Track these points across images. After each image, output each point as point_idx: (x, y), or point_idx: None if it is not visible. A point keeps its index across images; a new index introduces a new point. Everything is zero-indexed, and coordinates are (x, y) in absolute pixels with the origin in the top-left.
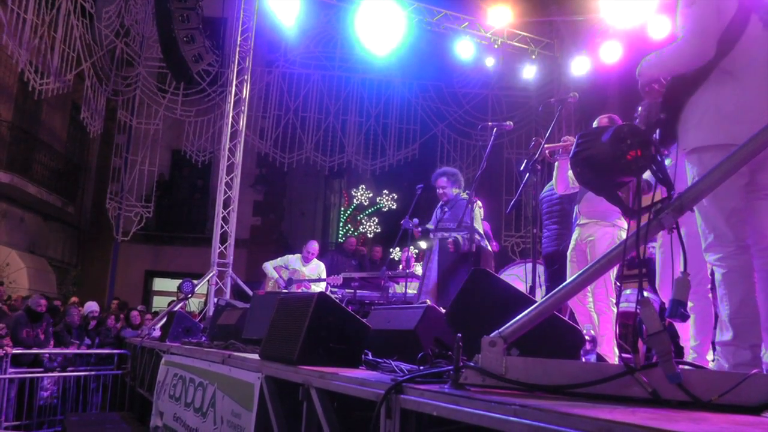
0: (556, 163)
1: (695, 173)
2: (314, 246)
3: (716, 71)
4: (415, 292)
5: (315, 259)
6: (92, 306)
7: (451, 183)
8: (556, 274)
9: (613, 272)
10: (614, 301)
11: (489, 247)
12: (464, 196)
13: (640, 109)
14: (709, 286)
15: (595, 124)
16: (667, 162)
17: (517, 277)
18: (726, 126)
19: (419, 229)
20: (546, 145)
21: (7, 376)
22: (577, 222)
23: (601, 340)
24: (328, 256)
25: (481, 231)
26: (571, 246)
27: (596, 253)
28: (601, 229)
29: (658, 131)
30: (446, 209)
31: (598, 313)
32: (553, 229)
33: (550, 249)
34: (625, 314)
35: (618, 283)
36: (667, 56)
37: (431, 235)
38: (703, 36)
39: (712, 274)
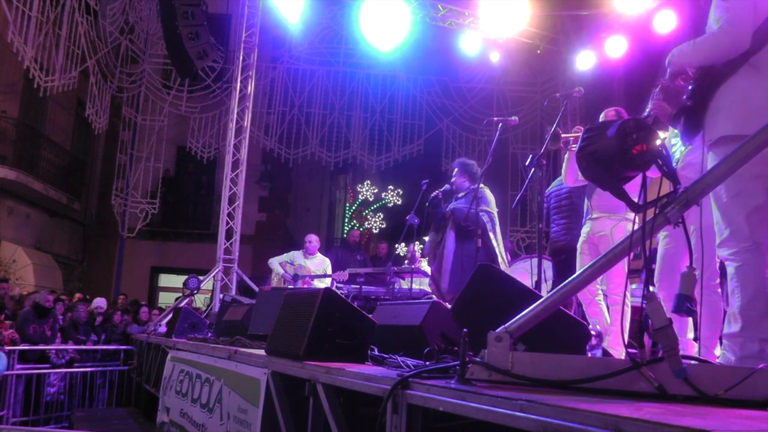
0: (566, 155)
1: None
2: (312, 236)
3: (746, 66)
4: (420, 288)
5: (320, 255)
6: (100, 302)
7: (460, 173)
8: (563, 269)
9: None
10: (628, 294)
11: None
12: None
13: (651, 104)
14: (718, 280)
15: (602, 117)
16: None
17: (524, 269)
18: (753, 120)
19: (416, 222)
20: (563, 135)
21: (15, 372)
22: (589, 216)
23: (611, 331)
24: (333, 251)
25: (496, 217)
26: (581, 239)
27: (609, 247)
28: (613, 223)
29: (683, 119)
30: (460, 198)
31: (611, 305)
32: (562, 223)
33: (559, 244)
34: (631, 309)
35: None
36: (701, 45)
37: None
38: (740, 26)
39: (721, 268)
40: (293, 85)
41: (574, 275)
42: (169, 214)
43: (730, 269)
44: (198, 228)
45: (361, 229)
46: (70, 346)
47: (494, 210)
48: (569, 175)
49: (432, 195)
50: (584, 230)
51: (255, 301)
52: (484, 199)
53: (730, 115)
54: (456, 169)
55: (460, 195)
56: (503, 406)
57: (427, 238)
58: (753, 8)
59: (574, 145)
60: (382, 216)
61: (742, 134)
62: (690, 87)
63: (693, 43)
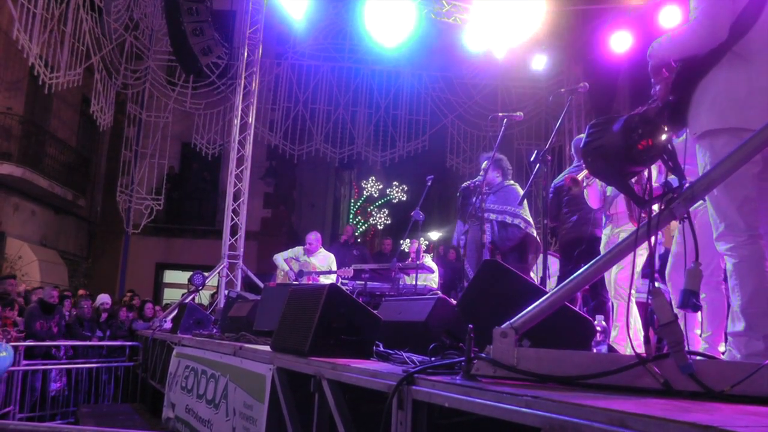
0: (586, 191)
1: (707, 160)
2: (312, 237)
3: (729, 55)
4: (425, 283)
5: (324, 251)
6: (104, 298)
7: (493, 167)
8: (576, 265)
9: (639, 266)
10: (634, 292)
11: (535, 234)
12: (510, 183)
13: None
14: (723, 276)
15: None
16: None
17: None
18: (737, 110)
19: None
20: (579, 177)
21: (21, 368)
22: (609, 222)
23: (616, 327)
24: (332, 249)
25: (529, 217)
26: (603, 241)
27: None
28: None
29: (667, 114)
30: (489, 194)
31: (617, 299)
32: (576, 216)
33: (571, 236)
34: (637, 305)
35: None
36: (678, 37)
37: (472, 218)
38: (716, 18)
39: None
40: (298, 82)
41: (579, 271)
42: (174, 210)
43: (729, 265)
44: (203, 224)
45: (365, 225)
46: (76, 342)
47: (526, 212)
48: (593, 200)
49: (463, 185)
50: (605, 232)
51: (260, 297)
52: (515, 195)
53: (713, 108)
54: (486, 162)
55: (491, 190)
56: (508, 402)
57: (432, 235)
58: None
59: (587, 180)
60: (386, 212)
61: (727, 127)
62: (672, 81)
63: (670, 35)
